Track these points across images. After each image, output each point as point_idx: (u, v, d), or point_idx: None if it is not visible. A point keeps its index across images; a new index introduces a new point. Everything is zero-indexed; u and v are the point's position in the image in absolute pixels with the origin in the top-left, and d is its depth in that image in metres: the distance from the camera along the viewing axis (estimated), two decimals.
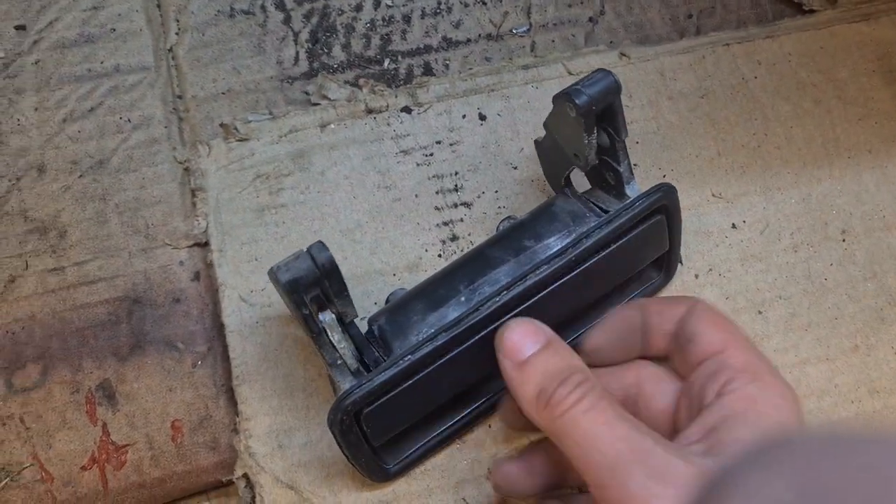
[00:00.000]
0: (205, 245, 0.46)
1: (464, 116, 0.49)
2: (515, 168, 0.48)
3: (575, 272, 0.39)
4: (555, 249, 0.39)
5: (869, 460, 0.15)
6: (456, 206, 0.47)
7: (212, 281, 0.45)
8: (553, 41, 0.51)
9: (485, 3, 0.51)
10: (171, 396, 0.43)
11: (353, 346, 0.37)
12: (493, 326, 0.36)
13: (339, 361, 0.37)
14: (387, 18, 0.51)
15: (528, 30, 0.51)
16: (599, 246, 0.39)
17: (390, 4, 0.51)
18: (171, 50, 0.49)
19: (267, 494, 0.42)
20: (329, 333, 0.36)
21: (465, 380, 0.39)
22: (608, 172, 0.41)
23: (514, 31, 0.51)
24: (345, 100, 0.49)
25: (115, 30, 0.48)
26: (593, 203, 0.42)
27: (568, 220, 0.41)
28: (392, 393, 0.36)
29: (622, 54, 0.50)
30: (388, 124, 0.49)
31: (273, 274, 0.34)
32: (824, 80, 0.51)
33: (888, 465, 0.15)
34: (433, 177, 0.48)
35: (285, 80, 0.49)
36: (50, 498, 0.41)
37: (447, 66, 0.50)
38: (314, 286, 0.34)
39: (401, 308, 0.40)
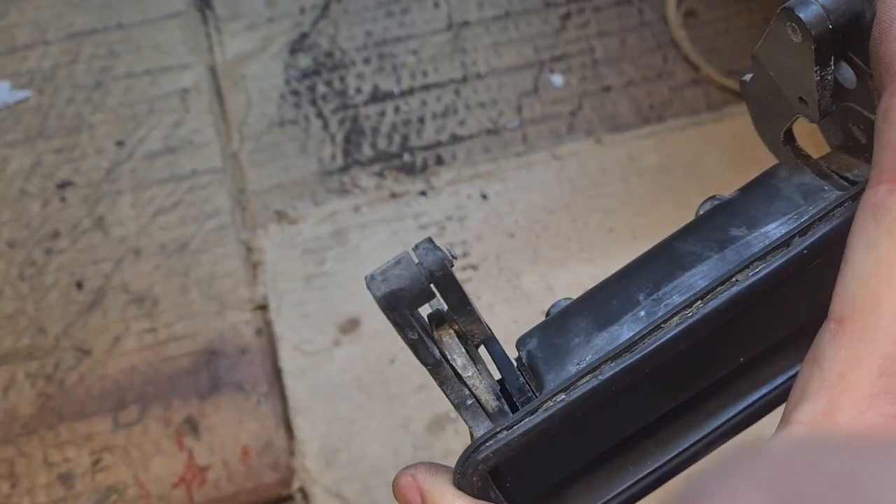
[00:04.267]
0: (264, 307, 0.57)
1: (469, 196, 0.60)
2: (513, 236, 0.60)
3: (803, 276, 0.26)
4: (775, 238, 0.27)
5: (849, 468, 0.14)
6: (465, 268, 0.59)
7: (271, 335, 0.56)
8: (540, 133, 0.63)
9: (483, 105, 0.63)
10: (241, 427, 0.54)
11: (488, 377, 0.28)
12: (684, 345, 0.26)
13: (468, 401, 0.28)
14: (405, 121, 0.63)
15: (520, 125, 0.63)
16: (842, 235, 0.25)
17: (407, 110, 0.63)
18: (234, 155, 0.61)
19: (320, 503, 0.52)
20: (451, 361, 0.27)
21: (643, 417, 0.29)
22: (855, 125, 0.28)
23: (507, 126, 0.63)
24: (373, 188, 0.61)
25: (191, 142, 0.61)
26: (834, 172, 0.29)
27: (797, 199, 0.29)
28: (540, 441, 0.27)
29: (597, 140, 0.62)
30: (409, 206, 0.60)
31: (369, 285, 0.26)
32: (765, 153, 0.61)
33: (868, 473, 0.14)
34: (446, 245, 0.59)
35: (325, 174, 0.61)
36: None
37: (455, 157, 0.62)
38: (422, 299, 0.26)
39: (559, 326, 0.30)
